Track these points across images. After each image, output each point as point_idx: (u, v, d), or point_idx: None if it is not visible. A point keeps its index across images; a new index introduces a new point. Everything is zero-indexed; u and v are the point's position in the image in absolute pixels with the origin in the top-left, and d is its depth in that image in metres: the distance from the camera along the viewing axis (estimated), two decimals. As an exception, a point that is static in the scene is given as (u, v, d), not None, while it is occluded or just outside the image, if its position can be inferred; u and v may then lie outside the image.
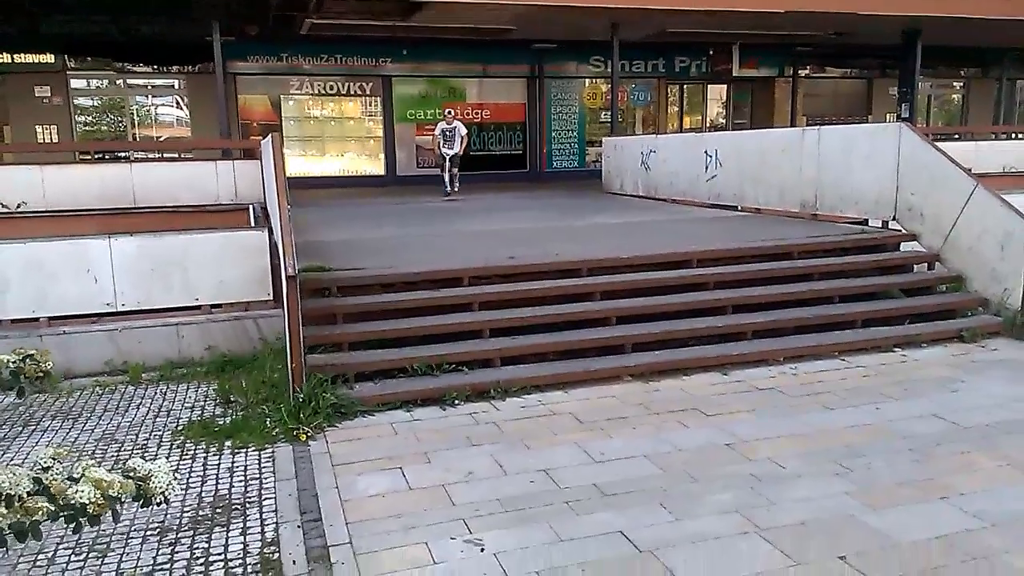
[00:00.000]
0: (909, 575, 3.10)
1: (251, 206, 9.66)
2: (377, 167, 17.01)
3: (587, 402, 5.13)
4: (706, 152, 10.46)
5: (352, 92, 16.72)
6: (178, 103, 16.41)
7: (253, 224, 8.61)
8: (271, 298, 6.36)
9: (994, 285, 6.64)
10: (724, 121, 19.69)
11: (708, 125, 19.44)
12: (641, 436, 4.55)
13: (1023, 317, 6.41)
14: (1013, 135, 18.84)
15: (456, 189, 13.10)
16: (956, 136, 18.03)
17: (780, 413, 4.90)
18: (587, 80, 17.98)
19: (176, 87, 16.27)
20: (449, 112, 13.34)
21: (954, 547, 3.28)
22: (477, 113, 17.38)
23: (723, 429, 4.63)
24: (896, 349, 6.12)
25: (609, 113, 15.33)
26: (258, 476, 4.14)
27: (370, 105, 16.97)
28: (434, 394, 5.12)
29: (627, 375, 5.57)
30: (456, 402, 5.09)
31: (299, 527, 3.57)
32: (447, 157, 13.10)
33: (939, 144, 7.71)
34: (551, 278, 6.31)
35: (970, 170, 7.15)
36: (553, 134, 17.82)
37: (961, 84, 21.60)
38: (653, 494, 3.82)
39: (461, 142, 13.10)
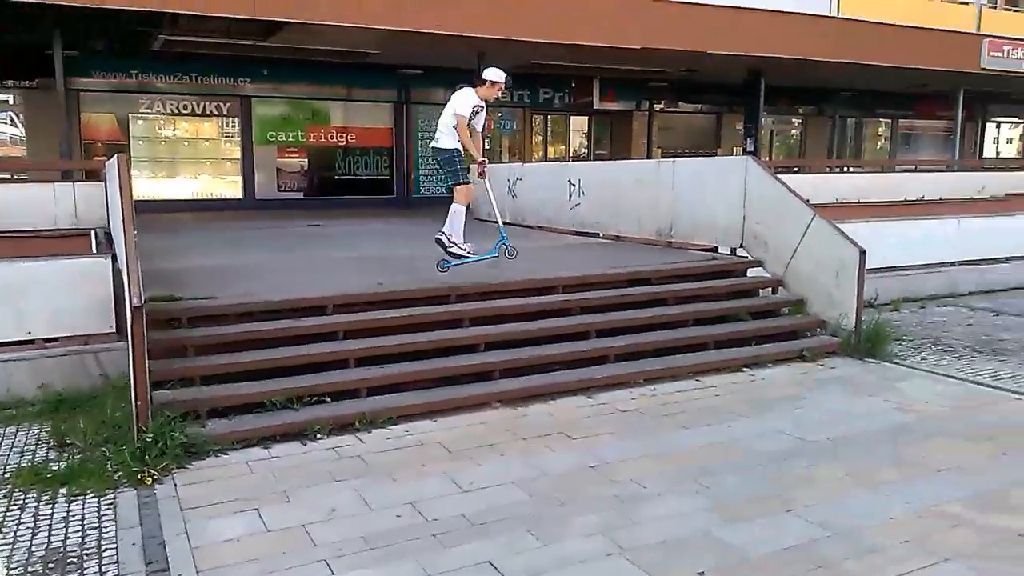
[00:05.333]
0: (762, 587, 3.25)
1: (93, 231, 9.01)
2: (235, 190, 16.35)
3: (456, 430, 5.08)
4: (570, 181, 10.75)
5: (208, 112, 16.04)
6: (12, 120, 15.16)
7: (95, 251, 8.02)
8: (114, 331, 5.92)
9: (831, 308, 7.16)
10: (586, 151, 20.38)
11: (572, 155, 20.05)
12: (509, 462, 4.55)
13: (857, 337, 6.95)
14: (845, 168, 20.60)
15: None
16: (795, 169, 19.51)
17: (641, 434, 5.04)
18: (454, 107, 18.10)
19: (11, 103, 15.02)
20: (500, 74, 7.10)
21: (800, 557, 3.46)
22: (342, 137, 17.12)
23: (588, 452, 4.70)
24: (745, 369, 6.47)
25: (476, 141, 15.46)
26: (97, 525, 3.81)
27: (227, 126, 16.33)
28: (294, 429, 4.90)
29: (496, 401, 5.57)
30: (318, 436, 4.90)
31: (143, 579, 3.31)
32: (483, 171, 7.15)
33: (781, 176, 8.28)
34: (420, 305, 6.24)
35: (808, 200, 7.72)
36: (421, 160, 17.79)
37: (799, 121, 23.45)
38: (521, 521, 3.81)
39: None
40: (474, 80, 7.23)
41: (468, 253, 7.12)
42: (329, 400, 5.24)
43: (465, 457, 4.63)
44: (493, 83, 7.12)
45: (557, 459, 4.61)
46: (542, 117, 19.75)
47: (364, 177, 17.39)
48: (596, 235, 10.23)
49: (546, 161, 19.05)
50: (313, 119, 16.80)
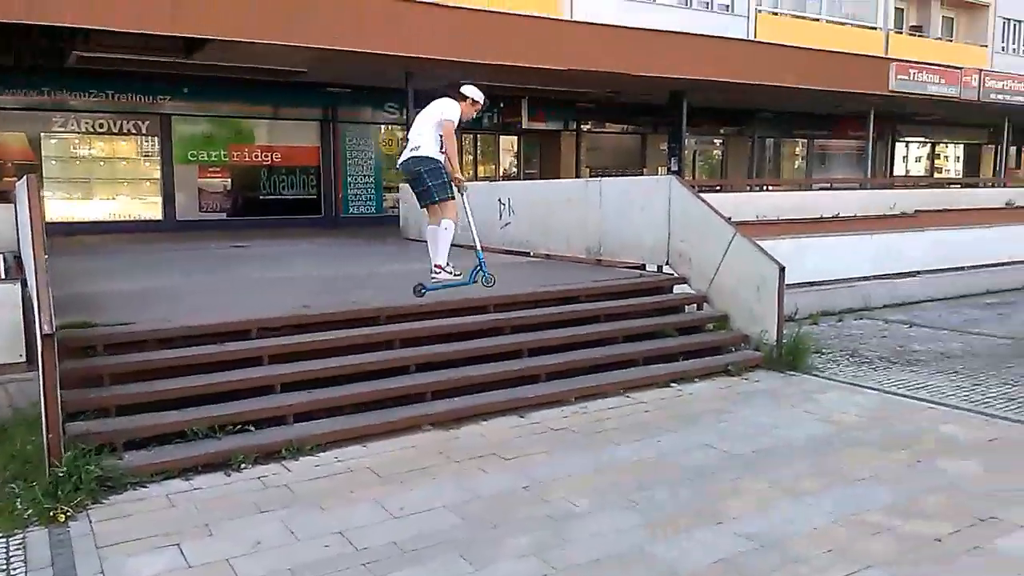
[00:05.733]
0: (692, 602, 3.29)
1: (2, 255, 8.57)
2: (154, 211, 15.78)
3: (387, 455, 5.01)
4: (500, 200, 10.79)
5: (126, 130, 15.47)
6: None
7: (4, 276, 7.62)
8: (25, 360, 5.62)
9: (753, 324, 7.36)
10: (516, 171, 20.54)
11: (502, 174, 20.17)
12: (441, 486, 4.51)
13: (778, 351, 7.16)
14: (764, 187, 21.32)
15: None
16: (718, 188, 20.08)
17: (573, 452, 5.06)
18: (383, 126, 18.01)
19: (-89, 120, 14.21)
20: (480, 94, 6.70)
21: (729, 570, 3.52)
22: (267, 156, 16.78)
23: (521, 472, 4.70)
24: (672, 384, 6.57)
25: (405, 160, 15.38)
26: (5, 567, 3.60)
27: (146, 145, 15.82)
28: (217, 459, 4.74)
29: (427, 423, 5.52)
30: (243, 466, 4.74)
31: (54, 624, 3.13)
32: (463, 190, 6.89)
33: (703, 195, 8.50)
34: (348, 327, 6.14)
35: (730, 219, 7.94)
36: (349, 179, 17.57)
37: (721, 141, 24.17)
38: (454, 545, 3.78)
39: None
40: (452, 95, 6.70)
41: (454, 276, 6.65)
42: (253, 428, 5.09)
43: (396, 482, 4.56)
44: (474, 102, 6.63)
45: (490, 481, 4.59)
46: (471, 137, 19.82)
47: (290, 197, 17.06)
48: (526, 254, 10.28)
49: (476, 180, 19.10)
50: (236, 137, 16.41)
